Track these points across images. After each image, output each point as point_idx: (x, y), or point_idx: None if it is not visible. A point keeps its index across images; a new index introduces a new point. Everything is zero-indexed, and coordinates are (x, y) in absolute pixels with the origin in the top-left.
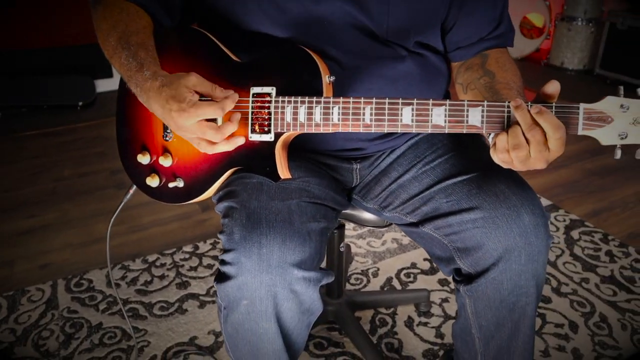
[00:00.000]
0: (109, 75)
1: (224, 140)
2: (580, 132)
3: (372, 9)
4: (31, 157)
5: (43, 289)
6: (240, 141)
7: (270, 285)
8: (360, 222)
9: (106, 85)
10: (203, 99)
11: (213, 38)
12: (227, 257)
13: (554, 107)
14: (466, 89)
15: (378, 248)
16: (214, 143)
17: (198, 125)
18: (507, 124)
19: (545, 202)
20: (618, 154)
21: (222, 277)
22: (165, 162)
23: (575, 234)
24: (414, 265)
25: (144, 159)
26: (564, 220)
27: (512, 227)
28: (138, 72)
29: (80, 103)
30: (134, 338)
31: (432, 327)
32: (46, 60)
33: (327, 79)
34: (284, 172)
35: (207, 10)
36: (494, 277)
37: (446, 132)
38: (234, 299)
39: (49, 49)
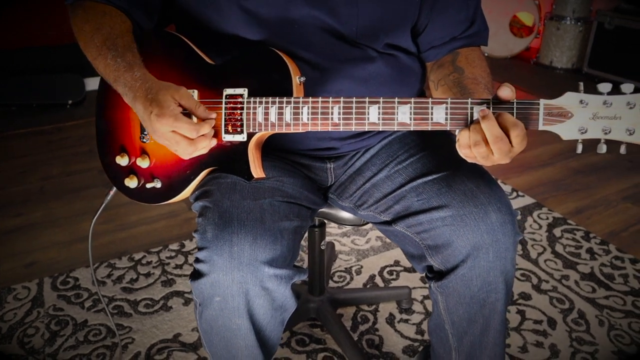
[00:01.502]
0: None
1: (195, 152)
2: (540, 127)
3: (341, 12)
4: (19, 155)
5: (29, 287)
6: (212, 143)
7: (242, 282)
8: (338, 221)
9: (95, 83)
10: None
11: (187, 41)
12: (200, 255)
13: (515, 104)
14: (437, 86)
15: (362, 246)
16: (188, 147)
17: (172, 134)
18: (471, 121)
19: (529, 200)
20: (579, 148)
21: (196, 275)
22: (143, 163)
23: (557, 231)
24: (397, 263)
25: (122, 160)
26: (547, 218)
27: (480, 224)
28: (127, 72)
29: (70, 101)
30: (118, 335)
31: (413, 324)
32: (35, 59)
33: (297, 79)
34: (257, 171)
35: (182, 14)
36: (463, 274)
37: (412, 129)
38: (207, 296)
39: (38, 48)
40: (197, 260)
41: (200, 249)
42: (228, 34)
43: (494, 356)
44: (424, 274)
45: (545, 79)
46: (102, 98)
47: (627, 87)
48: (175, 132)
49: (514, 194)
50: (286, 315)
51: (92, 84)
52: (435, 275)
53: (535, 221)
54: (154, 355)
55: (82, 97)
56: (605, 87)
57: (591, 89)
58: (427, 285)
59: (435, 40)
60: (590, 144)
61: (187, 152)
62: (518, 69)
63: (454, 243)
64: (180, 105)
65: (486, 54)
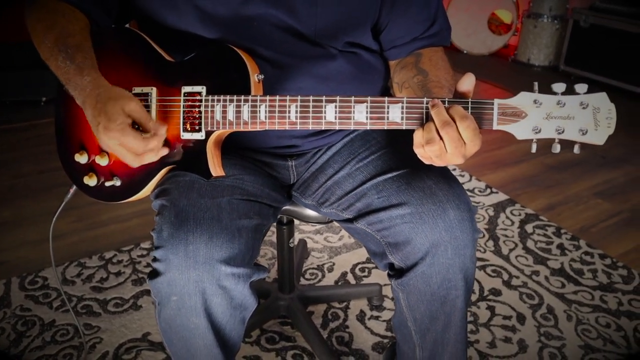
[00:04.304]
0: None
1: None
2: (495, 127)
3: (300, 12)
4: None
5: None
6: (162, 152)
7: (198, 281)
8: (303, 219)
9: None
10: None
11: (147, 38)
12: (156, 253)
13: (470, 103)
14: (401, 88)
15: (335, 243)
16: (134, 161)
17: (118, 147)
18: (426, 120)
19: (502, 196)
20: (534, 147)
21: (153, 274)
22: (102, 161)
23: (529, 227)
24: (369, 260)
25: (81, 158)
26: (519, 215)
27: (438, 222)
28: (77, 75)
29: (44, 98)
30: (83, 335)
31: (383, 321)
32: (8, 55)
33: (256, 77)
34: (216, 169)
35: (139, 11)
36: (423, 271)
37: (368, 128)
38: (165, 295)
39: (11, 44)
40: (154, 259)
41: (156, 247)
42: (186, 32)
43: (456, 352)
44: (385, 272)
45: (522, 76)
46: (61, 95)
47: (580, 87)
48: (121, 145)
49: (488, 190)
50: (246, 313)
51: None
52: (396, 272)
53: (507, 217)
54: (122, 355)
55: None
56: (559, 87)
57: (545, 89)
58: None
59: (397, 40)
60: (561, 140)
61: (134, 164)
62: (496, 66)
63: (413, 240)
64: (130, 116)
65: (465, 52)
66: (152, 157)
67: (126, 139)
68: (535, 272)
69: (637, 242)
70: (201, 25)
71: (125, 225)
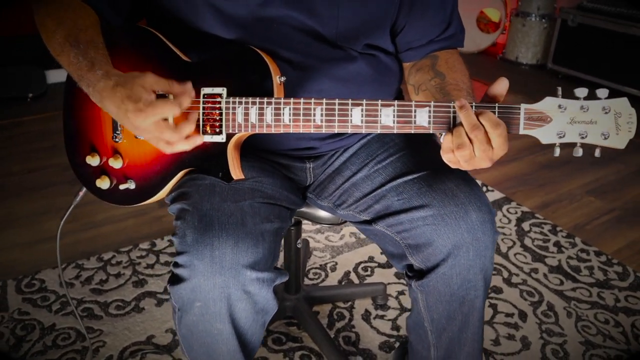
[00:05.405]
0: (60, 66)
1: (182, 140)
2: (521, 131)
3: (321, 14)
4: None
5: None
6: (198, 140)
7: (224, 287)
8: (315, 220)
9: (57, 76)
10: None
11: (162, 37)
12: (180, 259)
13: (496, 108)
14: (417, 90)
15: (336, 242)
16: (171, 143)
17: (155, 125)
18: (454, 124)
19: (498, 194)
20: (557, 152)
21: (175, 280)
22: (116, 163)
23: (526, 225)
24: (371, 259)
25: (93, 160)
26: (516, 213)
27: (460, 224)
28: (89, 71)
29: (30, 95)
30: (88, 339)
31: (389, 320)
32: None
33: (277, 79)
34: (236, 173)
35: (155, 10)
36: (443, 273)
37: (395, 132)
38: (187, 301)
39: None
40: (176, 265)
41: (179, 253)
42: (204, 32)
43: (472, 351)
44: (404, 273)
45: (511, 74)
46: (70, 94)
47: (602, 92)
48: (158, 122)
49: (484, 188)
50: (267, 317)
51: (53, 76)
52: (415, 274)
53: (504, 215)
54: (127, 359)
55: (43, 91)
56: (581, 92)
57: (569, 94)
58: (402, 280)
59: (413, 42)
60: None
61: (173, 140)
62: (484, 65)
63: (435, 242)
64: (152, 91)
65: None
66: (188, 130)
67: (159, 110)
68: (534, 270)
69: (630, 239)
70: (220, 26)
71: (122, 226)
